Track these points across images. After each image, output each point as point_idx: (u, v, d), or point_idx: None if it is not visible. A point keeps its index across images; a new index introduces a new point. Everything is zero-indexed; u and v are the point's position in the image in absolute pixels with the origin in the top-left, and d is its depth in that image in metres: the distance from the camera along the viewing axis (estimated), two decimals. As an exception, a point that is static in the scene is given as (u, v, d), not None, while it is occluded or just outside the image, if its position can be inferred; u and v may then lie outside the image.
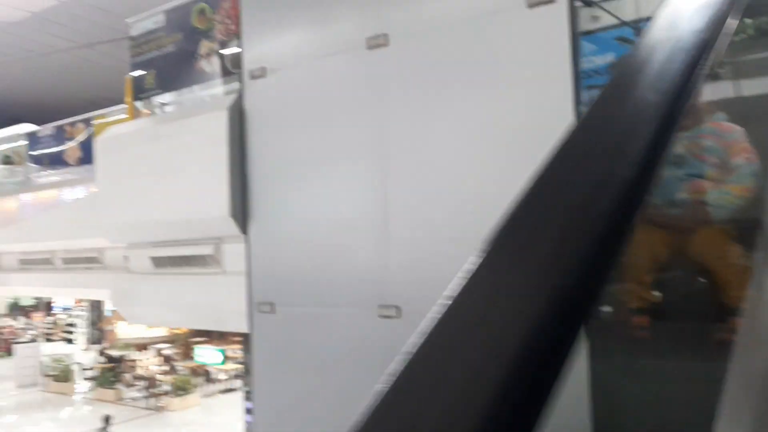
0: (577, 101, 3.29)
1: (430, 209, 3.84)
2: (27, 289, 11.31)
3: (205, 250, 5.21)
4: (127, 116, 6.09)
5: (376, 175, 4.07)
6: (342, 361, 4.26)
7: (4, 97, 22.35)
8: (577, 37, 3.36)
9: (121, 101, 7.46)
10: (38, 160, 10.50)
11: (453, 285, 0.58)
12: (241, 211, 4.82)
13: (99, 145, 5.78)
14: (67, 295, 13.60)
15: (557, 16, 3.31)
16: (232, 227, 4.83)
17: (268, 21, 4.66)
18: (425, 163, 3.85)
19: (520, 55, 3.50)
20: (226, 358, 15.06)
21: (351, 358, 4.21)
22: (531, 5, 3.35)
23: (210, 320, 5.39)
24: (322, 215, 4.39)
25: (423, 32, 3.86)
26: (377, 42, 4.04)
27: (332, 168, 4.34)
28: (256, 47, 4.72)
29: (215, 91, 5.79)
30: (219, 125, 4.80)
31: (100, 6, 15.43)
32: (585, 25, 3.54)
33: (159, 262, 5.55)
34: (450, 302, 0.60)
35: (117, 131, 5.75)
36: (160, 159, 5.22)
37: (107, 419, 12.66)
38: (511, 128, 3.50)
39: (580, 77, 3.35)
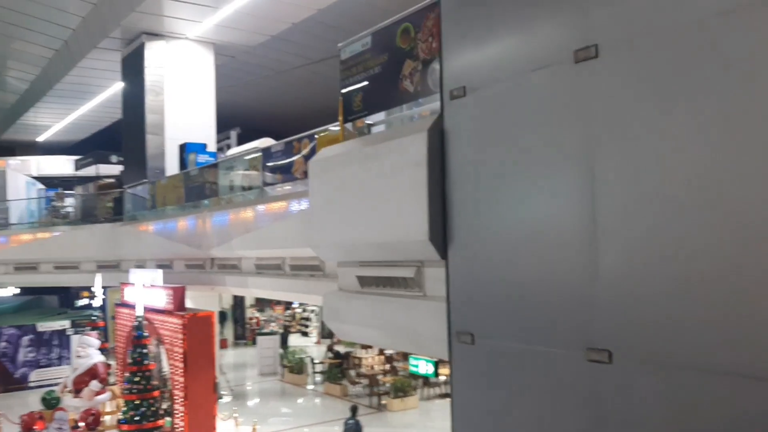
0: None
1: (647, 236, 3.33)
2: (260, 291, 12.37)
3: (407, 272, 5.15)
4: (339, 138, 6.25)
5: (584, 198, 3.64)
6: (542, 404, 3.90)
7: (252, 112, 24.86)
8: None
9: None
10: (272, 171, 11.39)
11: None
12: (441, 235, 4.66)
13: (311, 167, 6.01)
14: (292, 298, 14.64)
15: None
16: (430, 251, 4.69)
17: (468, 39, 4.43)
18: (642, 185, 3.35)
19: (764, 56, 2.87)
20: (441, 364, 15.13)
21: (552, 402, 3.83)
22: (780, 0, 2.72)
23: (411, 343, 5.31)
24: (524, 241, 4.06)
25: (640, 40, 3.36)
26: (586, 54, 3.62)
27: (535, 191, 3.99)
28: (456, 66, 4.53)
29: (421, 110, 5.71)
30: (418, 147, 4.69)
31: (327, 23, 16.43)
32: None
33: (364, 281, 5.61)
34: None
35: (327, 153, 5.93)
36: (363, 181, 5.26)
37: (354, 410, 13.41)
38: (760, 140, 2.87)
39: None
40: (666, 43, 3.23)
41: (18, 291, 26.43)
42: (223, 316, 29.43)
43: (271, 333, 25.29)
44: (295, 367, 21.27)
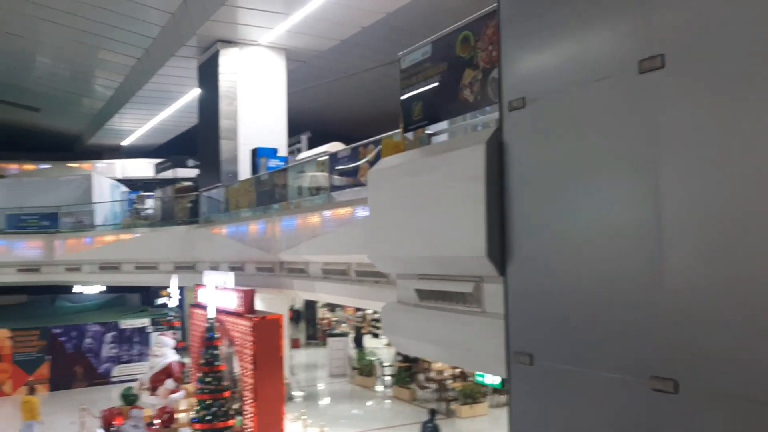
0: None
1: (717, 256, 3.10)
2: (327, 296, 12.44)
3: (465, 287, 5.02)
4: (401, 146, 6.18)
5: (648, 215, 3.43)
6: (604, 433, 3.70)
7: (322, 115, 25.13)
8: None
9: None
10: (338, 176, 11.44)
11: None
12: (499, 251, 4.51)
13: (370, 177, 5.96)
14: (357, 304, 14.67)
15: None
16: (489, 268, 4.54)
17: (528, 49, 4.27)
18: (712, 202, 3.12)
19: None
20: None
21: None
22: None
23: (469, 361, 5.18)
24: (585, 260, 3.87)
25: (709, 49, 3.13)
26: (651, 65, 3.40)
27: (597, 207, 3.80)
28: (515, 77, 4.37)
29: (485, 119, 5.56)
30: (476, 160, 4.55)
31: (397, 26, 16.40)
32: None
33: (423, 294, 5.51)
34: None
35: (385, 164, 5.87)
36: (421, 193, 5.16)
37: (433, 413, 13.40)
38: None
39: None
40: (735, 52, 3.00)
41: (104, 289, 27.66)
42: (298, 315, 29.90)
43: (342, 334, 25.44)
44: (365, 369, 21.33)
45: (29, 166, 32.50)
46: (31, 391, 16.46)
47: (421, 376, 19.65)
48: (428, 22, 12.02)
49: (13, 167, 32.32)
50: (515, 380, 4.40)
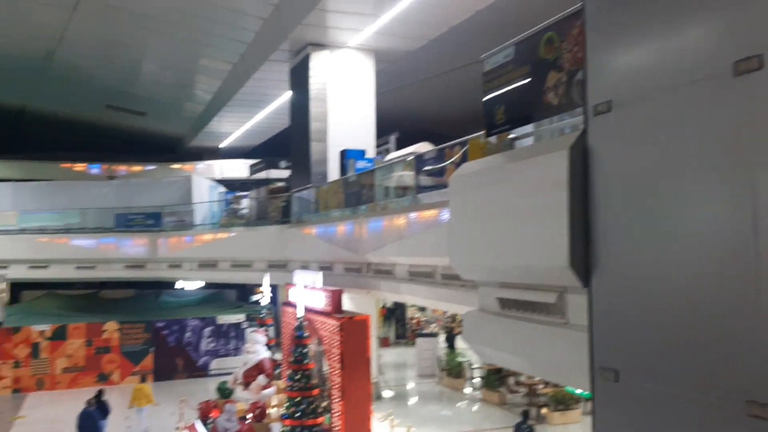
0: None
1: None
2: (412, 298, 12.42)
3: (548, 297, 4.85)
4: (484, 150, 6.06)
5: (747, 226, 3.19)
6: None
7: (410, 115, 25.16)
8: None
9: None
10: (426, 176, 11.38)
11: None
12: (583, 261, 4.33)
13: (452, 182, 5.88)
14: (443, 308, 14.55)
15: None
16: (571, 278, 4.37)
17: (614, 51, 4.07)
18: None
19: None
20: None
21: (707, 460, 3.40)
22: None
23: (550, 373, 5.01)
24: (677, 271, 3.65)
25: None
26: (748, 66, 3.16)
27: (691, 216, 3.58)
28: (601, 79, 4.17)
29: (573, 122, 5.36)
30: (559, 166, 4.39)
31: (486, 23, 16.16)
32: None
33: (505, 303, 5.38)
34: None
35: (467, 169, 5.77)
36: (502, 200, 5.04)
37: (526, 414, 13.22)
38: None
39: None
40: None
41: (203, 284, 28.86)
42: (391, 312, 30.07)
43: (431, 334, 25.35)
44: (454, 370, 21.18)
45: (136, 168, 34.40)
46: (143, 379, 17.54)
47: (510, 380, 19.29)
48: (518, 20, 11.76)
49: (122, 169, 34.32)
50: (599, 397, 4.22)
